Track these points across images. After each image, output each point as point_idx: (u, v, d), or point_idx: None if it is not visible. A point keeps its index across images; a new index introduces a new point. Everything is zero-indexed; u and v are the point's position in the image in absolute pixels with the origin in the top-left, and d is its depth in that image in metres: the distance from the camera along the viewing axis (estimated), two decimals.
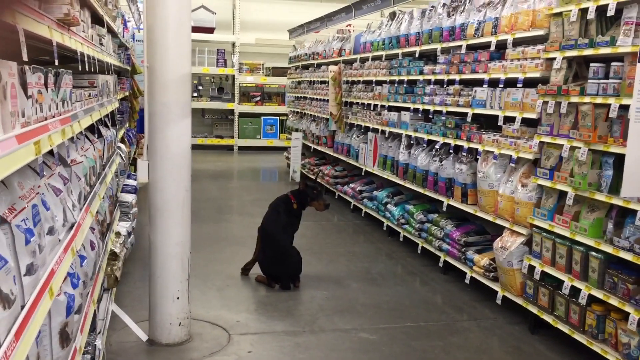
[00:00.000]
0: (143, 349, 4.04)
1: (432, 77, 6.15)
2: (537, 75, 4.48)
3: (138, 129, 9.51)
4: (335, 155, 9.39)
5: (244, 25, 15.24)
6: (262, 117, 15.08)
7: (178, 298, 4.07)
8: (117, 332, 4.20)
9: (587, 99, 3.87)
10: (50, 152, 2.37)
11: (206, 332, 4.29)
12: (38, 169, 2.15)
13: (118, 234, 5.08)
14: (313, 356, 4.02)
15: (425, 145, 6.32)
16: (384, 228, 7.14)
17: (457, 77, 5.65)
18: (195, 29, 12.50)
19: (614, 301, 3.63)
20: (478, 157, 5.23)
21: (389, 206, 7.01)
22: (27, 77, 2.00)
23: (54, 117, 2.38)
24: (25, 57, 1.97)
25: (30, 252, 1.91)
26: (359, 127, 8.47)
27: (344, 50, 9.45)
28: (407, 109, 6.73)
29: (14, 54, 1.97)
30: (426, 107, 6.24)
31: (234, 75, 15.04)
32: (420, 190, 6.30)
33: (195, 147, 13.84)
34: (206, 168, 12.08)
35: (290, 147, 10.83)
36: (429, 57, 6.58)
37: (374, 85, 7.87)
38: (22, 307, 1.79)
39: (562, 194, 4.19)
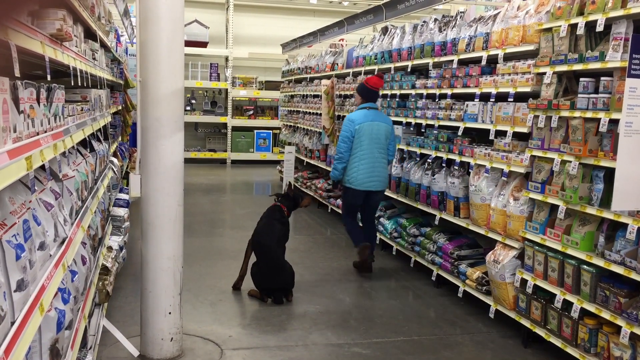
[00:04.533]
0: None
1: (424, 92, 6.19)
2: (527, 89, 4.51)
3: (131, 142, 9.51)
4: (328, 168, 9.40)
5: (237, 40, 15.30)
6: (255, 131, 15.10)
7: (170, 313, 4.05)
8: (108, 348, 4.17)
9: (577, 114, 3.90)
10: (42, 167, 2.37)
11: (198, 348, 4.26)
12: (29, 184, 2.14)
13: (110, 248, 5.06)
14: None
15: (417, 159, 6.34)
16: (377, 242, 7.14)
17: (448, 92, 5.69)
18: (189, 43, 12.57)
19: (606, 315, 3.64)
20: (470, 170, 5.25)
21: (381, 220, 7.01)
22: (19, 92, 2.01)
23: (45, 132, 2.38)
24: (17, 73, 1.97)
25: (20, 268, 1.90)
26: None
27: (337, 64, 9.49)
28: (400, 123, 6.76)
29: (6, 69, 1.97)
30: (418, 121, 6.28)
31: (227, 89, 15.07)
32: (413, 203, 6.31)
33: (188, 161, 13.82)
34: (199, 182, 12.07)
35: (283, 160, 10.83)
36: (421, 72, 6.62)
37: None
38: (12, 323, 1.78)
39: (554, 208, 4.21)
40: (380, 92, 6.46)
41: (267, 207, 5.74)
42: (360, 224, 6.37)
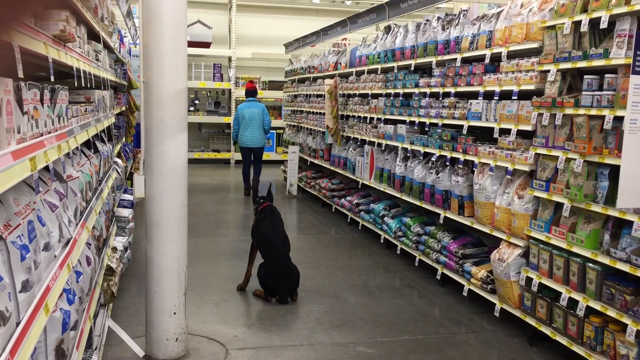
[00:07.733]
0: None
1: (428, 90, 6.18)
2: (531, 87, 4.50)
3: (135, 143, 9.52)
4: (332, 168, 9.40)
5: (240, 40, 15.31)
6: None
7: (175, 313, 4.05)
8: (114, 348, 4.18)
9: (581, 111, 3.89)
10: (46, 168, 2.37)
11: (203, 348, 4.27)
12: (34, 184, 2.15)
13: (114, 249, 5.07)
14: None
15: (421, 157, 6.33)
16: (381, 241, 7.14)
17: (452, 90, 5.68)
18: (192, 44, 12.56)
19: (612, 312, 3.62)
20: (474, 169, 5.24)
21: (386, 219, 7.01)
22: (23, 93, 2.01)
23: (49, 133, 2.39)
24: (21, 74, 1.97)
25: (25, 269, 1.90)
26: (356, 140, 8.49)
27: (340, 63, 9.49)
28: (403, 122, 6.75)
29: (10, 70, 1.98)
30: (422, 119, 6.27)
31: (230, 90, 15.08)
32: (417, 202, 6.30)
33: (191, 161, 13.84)
34: (203, 182, 12.08)
35: (287, 160, 10.84)
36: (424, 70, 6.62)
37: (370, 98, 7.90)
38: (18, 324, 1.78)
39: (559, 206, 4.19)
40: (257, 91, 10.71)
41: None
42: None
